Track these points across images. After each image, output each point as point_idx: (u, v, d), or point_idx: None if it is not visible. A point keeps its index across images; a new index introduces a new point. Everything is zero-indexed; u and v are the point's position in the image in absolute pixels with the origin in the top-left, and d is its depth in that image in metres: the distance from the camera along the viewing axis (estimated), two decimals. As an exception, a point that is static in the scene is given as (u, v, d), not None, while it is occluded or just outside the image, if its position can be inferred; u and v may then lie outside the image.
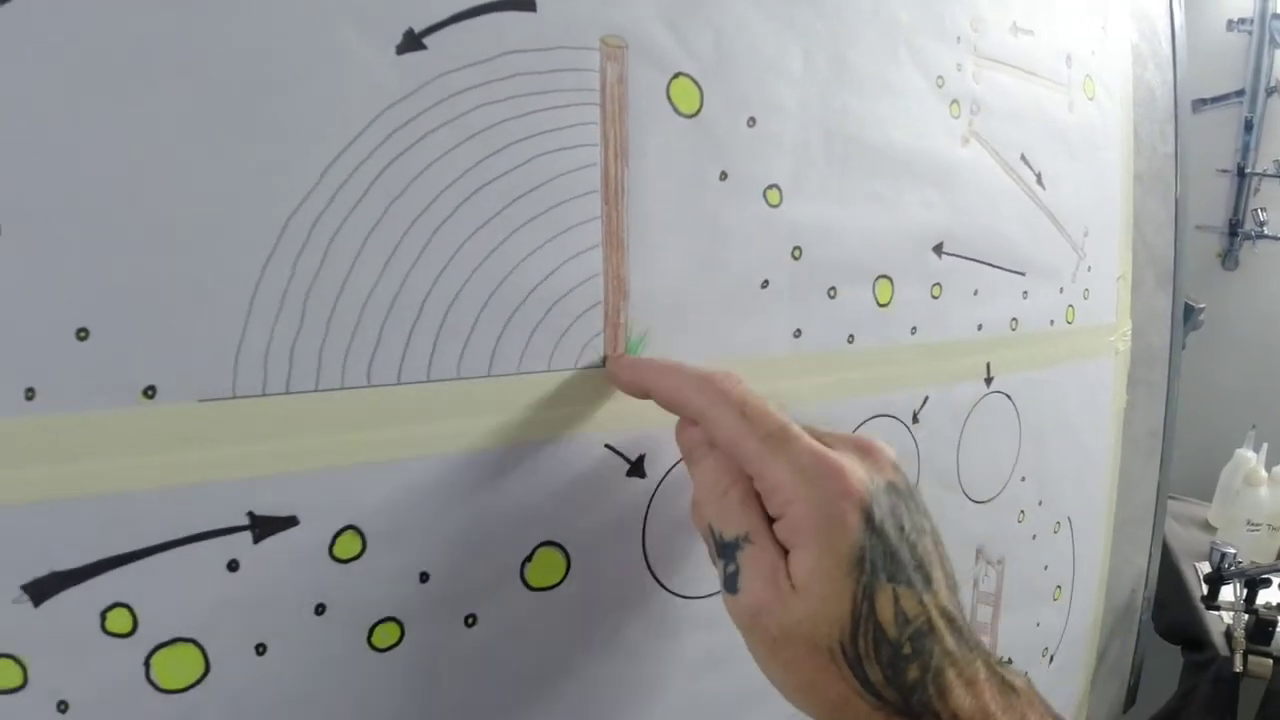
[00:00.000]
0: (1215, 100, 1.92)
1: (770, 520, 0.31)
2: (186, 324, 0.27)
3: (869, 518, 0.30)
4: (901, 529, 0.31)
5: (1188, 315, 0.83)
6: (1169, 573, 1.34)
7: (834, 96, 0.43)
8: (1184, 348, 0.83)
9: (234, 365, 0.28)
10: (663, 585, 0.40)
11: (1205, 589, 1.28)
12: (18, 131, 0.24)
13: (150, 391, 0.27)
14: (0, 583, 0.26)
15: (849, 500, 0.29)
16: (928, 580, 0.31)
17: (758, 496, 0.31)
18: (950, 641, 0.30)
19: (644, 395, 0.35)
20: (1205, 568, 1.32)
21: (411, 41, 0.30)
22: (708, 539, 0.32)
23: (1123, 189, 0.68)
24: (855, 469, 0.30)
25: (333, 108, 0.29)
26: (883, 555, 0.30)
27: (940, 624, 0.30)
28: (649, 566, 0.39)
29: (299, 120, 0.28)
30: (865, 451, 0.32)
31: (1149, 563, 0.86)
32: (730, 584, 0.31)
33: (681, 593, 0.41)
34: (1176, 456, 0.86)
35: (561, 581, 0.37)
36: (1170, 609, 1.30)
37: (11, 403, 0.25)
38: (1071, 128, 0.60)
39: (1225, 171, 1.95)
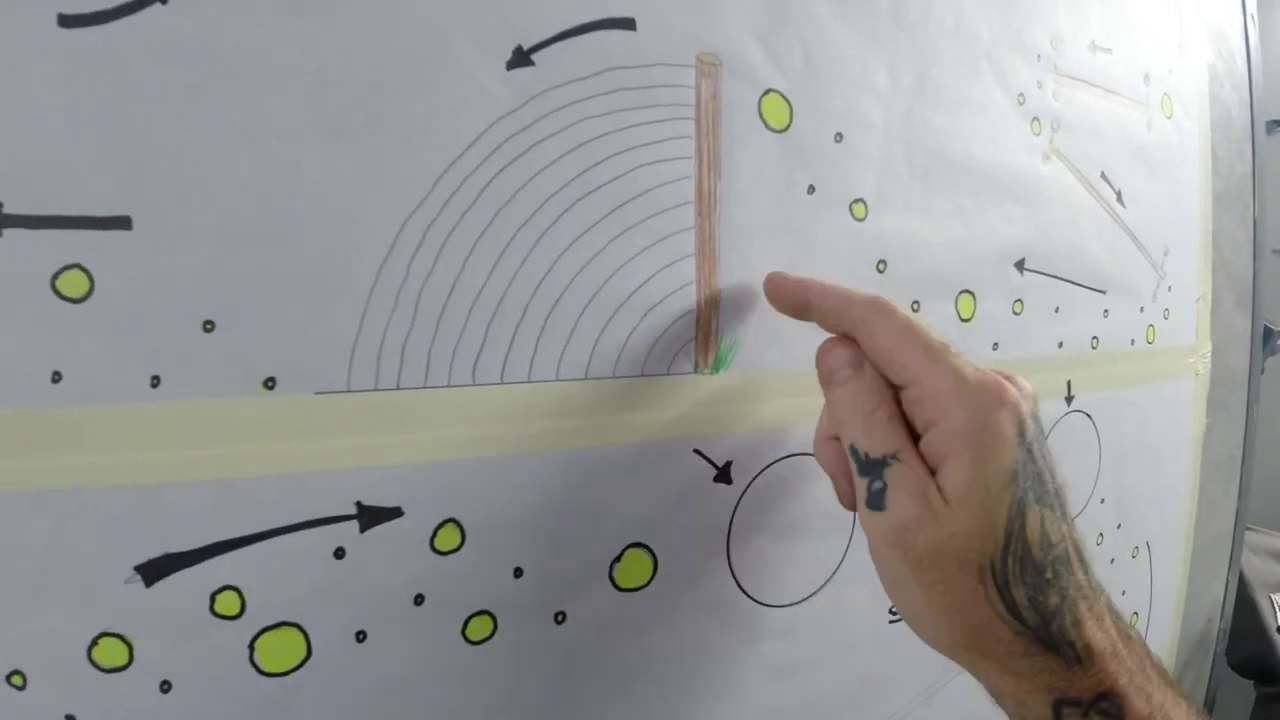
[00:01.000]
0: (1291, 122, 1.87)
1: (916, 441, 0.30)
2: (307, 319, 0.28)
3: (1023, 434, 0.29)
4: (1046, 454, 0.30)
5: (1267, 338, 0.81)
6: (1244, 604, 1.30)
7: (917, 112, 0.44)
8: (1262, 372, 0.81)
9: (349, 360, 0.29)
10: (745, 591, 0.40)
11: (1281, 621, 1.23)
12: (153, 130, 0.26)
13: (270, 383, 0.28)
14: (114, 563, 0.26)
15: (1006, 410, 0.29)
16: (1064, 509, 0.30)
17: (902, 417, 0.30)
18: (1081, 576, 0.29)
19: (803, 309, 0.34)
20: (1281, 600, 1.28)
21: (521, 58, 0.32)
22: (848, 461, 0.31)
23: (1201, 208, 0.67)
24: (1011, 388, 0.30)
25: (447, 119, 0.30)
26: (1032, 476, 0.29)
27: (1074, 556, 0.30)
28: (732, 572, 0.39)
29: (415, 130, 0.30)
30: (1013, 382, 0.32)
31: (1225, 592, 0.84)
32: (875, 501, 0.30)
33: (763, 600, 0.41)
34: (1253, 486, 0.84)
35: (648, 583, 0.37)
36: (1244, 641, 1.26)
37: (138, 389, 0.26)
38: (1150, 146, 0.59)
39: (1302, 195, 1.89)
